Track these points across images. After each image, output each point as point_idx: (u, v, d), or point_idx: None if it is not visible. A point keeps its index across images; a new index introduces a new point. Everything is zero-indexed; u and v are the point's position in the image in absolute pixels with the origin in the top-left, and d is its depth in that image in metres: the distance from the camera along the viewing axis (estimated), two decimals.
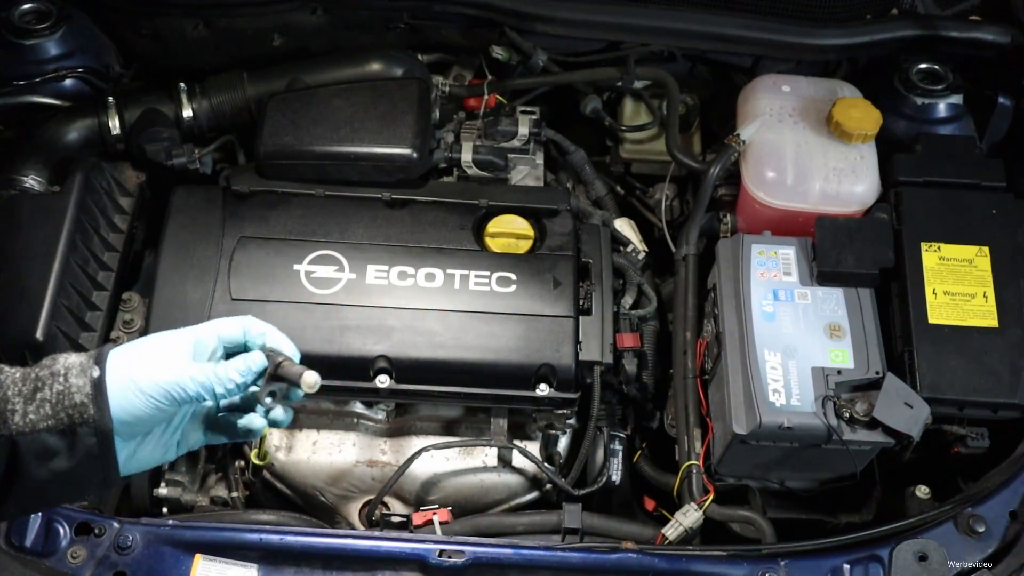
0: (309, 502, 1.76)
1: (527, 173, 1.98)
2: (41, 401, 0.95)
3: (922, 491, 1.62)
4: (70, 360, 0.99)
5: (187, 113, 1.87)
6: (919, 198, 1.76)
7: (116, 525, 1.41)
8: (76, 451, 0.96)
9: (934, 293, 1.67)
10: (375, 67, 1.93)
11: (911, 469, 1.68)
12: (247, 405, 1.15)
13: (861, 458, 1.61)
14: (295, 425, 1.76)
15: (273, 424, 1.13)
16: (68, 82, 1.91)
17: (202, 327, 1.08)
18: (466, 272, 1.72)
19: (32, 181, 1.73)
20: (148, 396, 1.00)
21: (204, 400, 1.05)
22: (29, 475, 0.96)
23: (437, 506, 1.68)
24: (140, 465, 1.07)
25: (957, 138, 1.90)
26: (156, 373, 1.01)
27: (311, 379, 1.07)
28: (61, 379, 0.97)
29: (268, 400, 1.10)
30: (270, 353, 1.10)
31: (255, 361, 1.07)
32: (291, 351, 1.12)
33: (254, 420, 1.13)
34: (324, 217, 1.76)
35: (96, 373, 0.98)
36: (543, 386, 1.67)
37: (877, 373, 1.58)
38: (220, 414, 1.14)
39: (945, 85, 1.94)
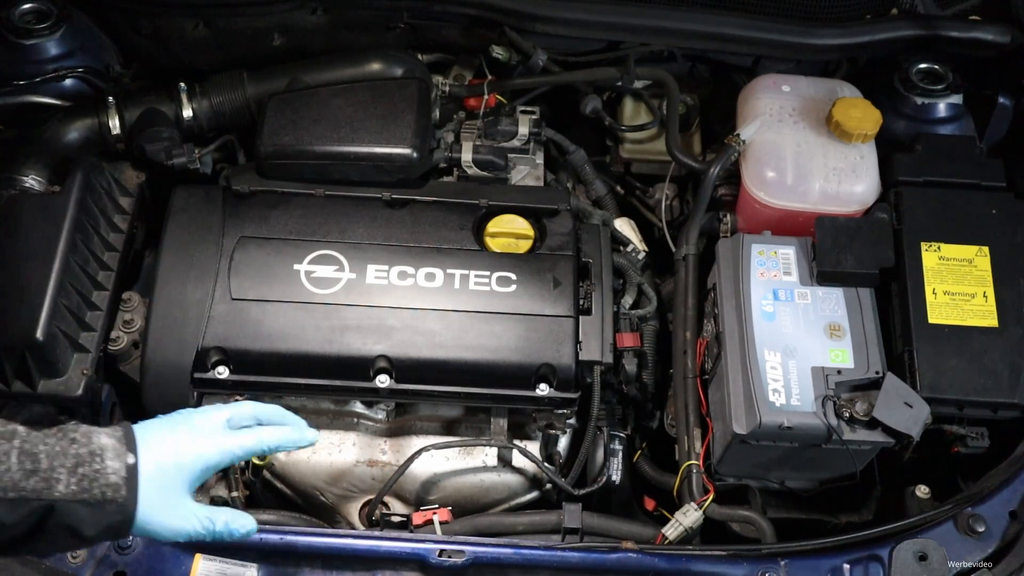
0: (309, 502, 1.76)
1: (527, 173, 1.98)
2: (81, 476, 1.04)
3: (922, 491, 1.62)
4: (103, 440, 1.08)
5: (187, 113, 1.87)
6: (919, 198, 1.76)
7: None
8: (99, 522, 1.06)
9: (934, 293, 1.67)
10: (375, 67, 1.93)
11: (911, 469, 1.68)
12: None
13: (861, 458, 1.61)
14: None
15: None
16: (68, 82, 1.91)
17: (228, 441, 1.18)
18: (466, 272, 1.72)
19: (32, 181, 1.72)
20: (176, 497, 1.12)
21: None
22: (51, 534, 1.05)
23: (437, 506, 1.68)
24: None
25: (957, 138, 1.90)
26: (187, 478, 1.13)
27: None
28: (99, 459, 1.06)
29: None
30: None
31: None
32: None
33: None
34: (324, 217, 1.76)
35: (131, 460, 1.08)
36: (543, 386, 1.67)
37: (877, 373, 1.58)
38: None
39: (945, 85, 1.94)
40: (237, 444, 1.17)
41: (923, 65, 1.97)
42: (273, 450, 1.21)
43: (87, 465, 1.05)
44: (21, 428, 1.06)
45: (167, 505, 1.10)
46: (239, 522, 1.15)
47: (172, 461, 1.12)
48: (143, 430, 1.12)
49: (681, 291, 1.82)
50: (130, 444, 1.09)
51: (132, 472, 1.07)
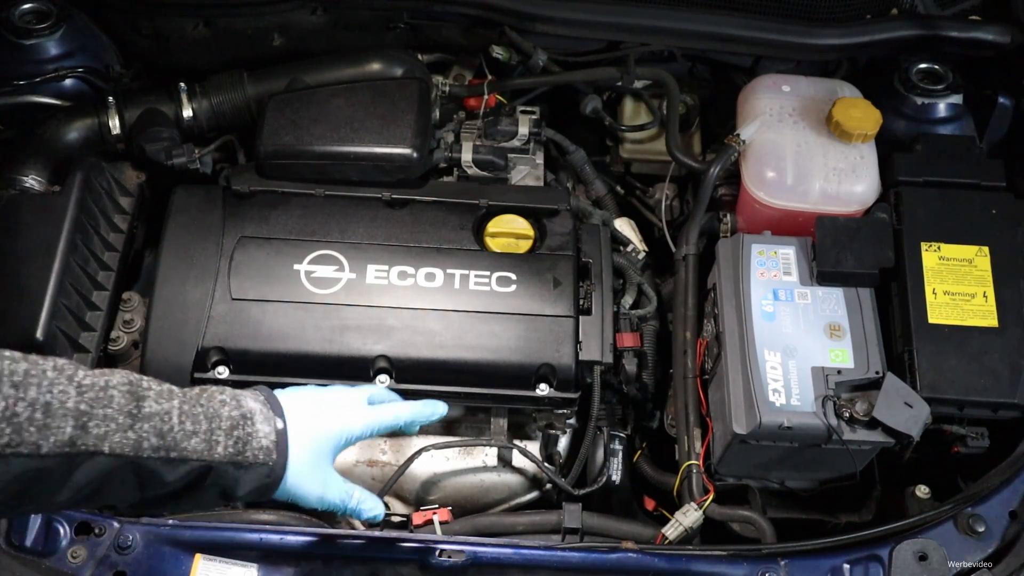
0: None
1: (527, 173, 1.98)
2: (237, 438, 1.08)
3: (922, 491, 1.62)
4: (251, 404, 1.12)
5: (187, 113, 1.87)
6: (919, 198, 1.76)
7: (116, 525, 1.41)
8: (249, 483, 1.10)
9: (934, 293, 1.67)
10: (375, 67, 1.93)
11: (911, 469, 1.68)
12: None
13: (861, 458, 1.61)
14: None
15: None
16: (68, 82, 1.90)
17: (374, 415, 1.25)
18: (466, 272, 1.72)
19: (32, 181, 1.73)
20: (322, 464, 1.17)
21: None
22: (205, 492, 1.09)
23: (437, 506, 1.68)
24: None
25: (957, 138, 1.90)
26: (332, 441, 1.19)
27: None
28: (250, 423, 1.10)
29: None
30: None
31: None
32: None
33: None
34: (324, 217, 1.76)
35: (280, 425, 1.12)
36: (543, 386, 1.67)
37: (877, 373, 1.58)
38: None
39: (945, 85, 1.94)
40: (377, 418, 1.22)
41: (923, 65, 1.97)
42: (409, 424, 1.25)
43: (240, 428, 1.08)
44: (176, 388, 1.08)
45: (313, 471, 1.14)
46: (369, 504, 1.22)
47: (320, 429, 1.15)
48: (288, 398, 1.15)
49: (681, 291, 1.82)
50: (276, 409, 1.12)
51: (282, 436, 1.10)
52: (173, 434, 1.03)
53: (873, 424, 1.53)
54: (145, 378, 1.07)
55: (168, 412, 1.04)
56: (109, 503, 1.08)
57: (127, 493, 1.05)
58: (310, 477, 1.15)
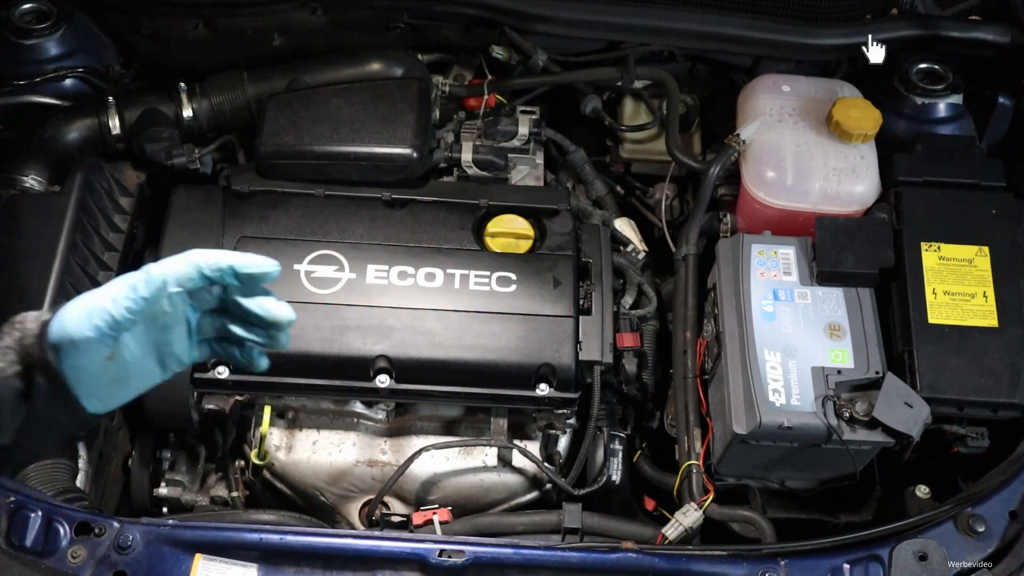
0: (309, 502, 1.76)
1: (527, 173, 1.98)
2: (4, 349, 1.03)
3: (922, 491, 1.62)
4: (32, 312, 1.06)
5: (187, 113, 1.87)
6: (919, 198, 1.76)
7: (116, 525, 1.41)
8: (35, 391, 1.03)
9: (934, 293, 1.67)
10: (375, 67, 1.93)
11: (911, 469, 1.68)
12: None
13: (861, 458, 1.61)
14: (295, 425, 1.77)
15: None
16: (68, 82, 1.91)
17: (150, 269, 1.09)
18: (466, 272, 1.72)
19: (32, 181, 1.73)
20: (79, 321, 1.04)
21: (128, 316, 1.06)
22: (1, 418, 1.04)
23: (437, 506, 1.68)
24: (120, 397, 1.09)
25: (957, 138, 1.90)
26: (84, 302, 1.06)
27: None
28: (19, 325, 1.04)
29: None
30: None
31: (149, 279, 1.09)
32: (260, 267, 1.18)
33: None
34: (324, 217, 1.76)
35: (47, 316, 1.04)
36: (543, 386, 1.67)
37: (877, 373, 1.58)
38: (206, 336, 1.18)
39: (945, 85, 1.94)
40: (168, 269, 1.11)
41: (923, 65, 1.97)
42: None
43: (7, 336, 1.06)
44: None
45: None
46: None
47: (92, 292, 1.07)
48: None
49: (681, 291, 1.82)
50: (56, 306, 1.07)
51: (46, 325, 1.05)
52: None
53: (873, 424, 1.53)
54: None
55: None
56: None
57: None
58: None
